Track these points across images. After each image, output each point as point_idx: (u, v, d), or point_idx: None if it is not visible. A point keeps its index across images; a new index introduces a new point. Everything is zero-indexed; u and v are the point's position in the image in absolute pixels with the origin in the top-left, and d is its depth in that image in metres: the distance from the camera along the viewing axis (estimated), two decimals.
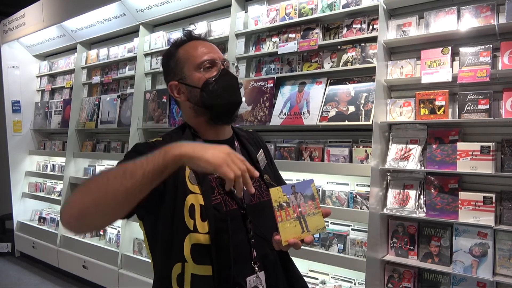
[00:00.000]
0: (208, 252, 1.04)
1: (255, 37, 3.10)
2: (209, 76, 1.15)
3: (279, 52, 2.83)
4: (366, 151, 2.47)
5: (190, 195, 1.06)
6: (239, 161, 0.91)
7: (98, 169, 4.28)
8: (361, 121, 2.43)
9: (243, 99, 2.90)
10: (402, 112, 2.37)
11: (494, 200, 2.04)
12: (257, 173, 0.94)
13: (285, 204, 0.99)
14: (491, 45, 2.12)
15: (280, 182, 1.35)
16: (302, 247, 1.01)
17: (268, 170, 1.28)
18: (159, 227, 1.08)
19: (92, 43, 4.58)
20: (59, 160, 4.82)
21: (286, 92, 2.83)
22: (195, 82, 1.16)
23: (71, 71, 4.75)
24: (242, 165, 0.90)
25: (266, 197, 1.15)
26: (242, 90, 2.94)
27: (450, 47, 2.22)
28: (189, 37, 1.22)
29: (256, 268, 1.09)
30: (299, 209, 1.01)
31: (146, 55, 3.79)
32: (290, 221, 0.99)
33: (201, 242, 1.05)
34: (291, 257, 1.24)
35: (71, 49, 4.80)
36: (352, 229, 2.55)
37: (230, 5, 3.12)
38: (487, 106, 2.10)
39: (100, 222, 0.94)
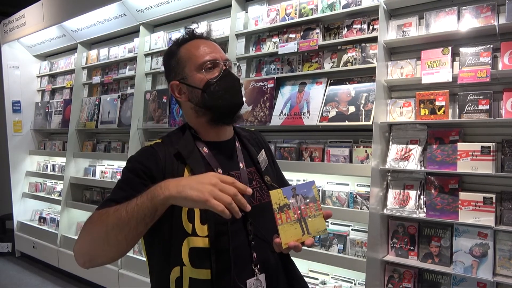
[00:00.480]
0: (207, 255, 1.04)
1: (256, 37, 3.10)
2: (211, 77, 1.14)
3: (279, 52, 2.83)
4: (366, 151, 2.47)
5: None
6: (227, 186, 0.89)
7: (99, 169, 4.28)
8: (362, 121, 2.43)
9: (244, 99, 2.90)
10: (402, 112, 2.37)
11: (494, 201, 2.03)
12: (250, 190, 0.93)
13: (285, 207, 0.99)
14: (492, 46, 2.12)
15: (282, 182, 1.35)
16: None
17: (269, 171, 1.27)
18: (157, 230, 1.07)
19: (93, 43, 4.58)
20: (59, 160, 4.82)
21: (286, 92, 2.83)
22: (197, 83, 1.15)
23: (71, 71, 4.75)
24: (231, 190, 0.89)
25: (267, 198, 1.14)
26: (242, 91, 2.94)
27: (450, 48, 2.22)
28: (192, 35, 1.20)
29: (256, 271, 1.09)
30: (300, 211, 1.00)
31: (146, 55, 3.79)
32: (291, 223, 0.99)
33: (199, 245, 1.04)
34: (292, 258, 1.24)
35: (71, 49, 4.79)
36: (352, 229, 2.55)
37: (230, 5, 3.12)
38: (488, 107, 2.10)
39: (113, 259, 0.98)
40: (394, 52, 2.51)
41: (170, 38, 3.62)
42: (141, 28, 3.79)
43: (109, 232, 0.92)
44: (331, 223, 2.61)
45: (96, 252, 0.96)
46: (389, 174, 2.43)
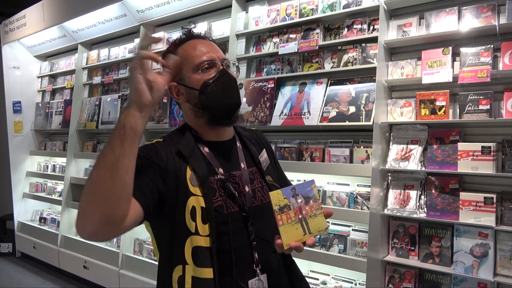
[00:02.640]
0: (209, 254, 1.04)
1: (256, 38, 3.10)
2: (207, 78, 1.13)
3: (279, 53, 2.83)
4: (366, 151, 2.47)
5: (192, 197, 1.05)
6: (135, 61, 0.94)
7: None
8: (362, 121, 2.43)
9: (244, 99, 2.90)
10: (402, 112, 2.37)
11: (495, 201, 2.03)
12: (159, 58, 0.99)
13: (285, 207, 0.98)
14: (492, 46, 2.12)
15: (284, 181, 1.35)
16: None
17: (271, 170, 1.27)
18: (162, 229, 1.08)
19: (93, 44, 4.58)
20: (60, 161, 4.83)
21: (287, 92, 2.83)
22: (194, 84, 1.14)
23: (72, 72, 4.76)
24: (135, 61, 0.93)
25: (268, 198, 1.14)
26: (242, 91, 2.94)
27: (450, 48, 2.22)
28: (189, 35, 1.19)
29: (258, 271, 1.08)
30: (300, 211, 1.00)
31: None
32: (292, 224, 0.98)
33: (202, 244, 1.04)
34: (293, 258, 1.24)
35: (72, 50, 4.80)
36: (352, 229, 2.55)
37: (230, 6, 3.12)
38: (488, 107, 2.10)
39: (106, 213, 0.88)
40: (395, 52, 2.51)
41: (169, 38, 3.62)
42: (142, 29, 3.79)
43: (93, 174, 0.89)
44: (331, 223, 2.61)
45: (88, 206, 0.88)
46: (389, 174, 2.43)
